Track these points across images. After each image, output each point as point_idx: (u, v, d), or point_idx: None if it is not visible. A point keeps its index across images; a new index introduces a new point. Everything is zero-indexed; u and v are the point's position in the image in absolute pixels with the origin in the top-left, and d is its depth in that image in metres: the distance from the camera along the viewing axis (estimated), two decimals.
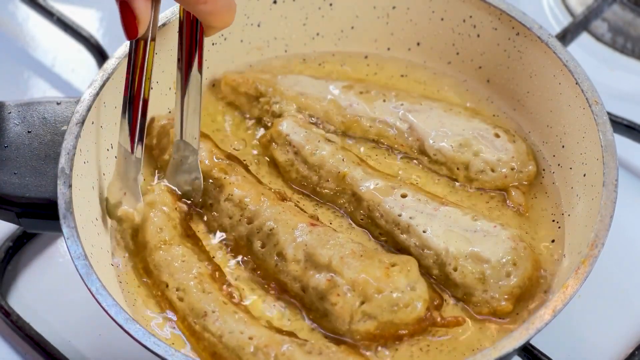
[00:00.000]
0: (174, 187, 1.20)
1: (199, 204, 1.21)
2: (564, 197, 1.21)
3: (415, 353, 1.09)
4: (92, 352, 1.26)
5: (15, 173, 1.14)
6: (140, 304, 1.14)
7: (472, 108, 1.30)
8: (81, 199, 1.12)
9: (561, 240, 1.17)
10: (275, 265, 1.13)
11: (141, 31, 0.99)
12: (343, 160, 1.22)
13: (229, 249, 1.18)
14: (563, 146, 1.22)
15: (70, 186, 1.09)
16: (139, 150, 1.13)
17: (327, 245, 1.12)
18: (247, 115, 1.32)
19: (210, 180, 1.21)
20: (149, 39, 1.08)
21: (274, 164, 1.26)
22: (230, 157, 1.24)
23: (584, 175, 1.15)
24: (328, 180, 1.22)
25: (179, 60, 1.16)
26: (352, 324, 1.08)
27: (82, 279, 1.04)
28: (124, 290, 1.15)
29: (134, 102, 1.11)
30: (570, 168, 1.20)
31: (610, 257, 1.19)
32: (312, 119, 1.29)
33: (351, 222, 1.21)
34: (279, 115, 1.29)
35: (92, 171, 1.17)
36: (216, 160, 1.22)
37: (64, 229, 1.07)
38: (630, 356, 1.22)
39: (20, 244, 1.34)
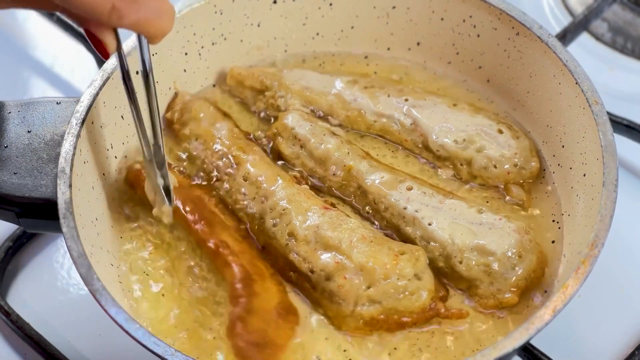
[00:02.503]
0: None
1: (214, 180, 1.23)
2: (564, 197, 1.21)
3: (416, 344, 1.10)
4: (92, 352, 1.26)
5: (15, 173, 1.14)
6: (140, 304, 1.14)
7: (475, 105, 1.30)
8: (81, 199, 1.12)
9: (561, 240, 1.17)
10: (286, 245, 1.14)
11: (111, 52, 1.01)
12: (348, 153, 1.22)
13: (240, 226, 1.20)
14: (563, 146, 1.22)
15: (70, 186, 1.09)
16: (149, 153, 1.12)
17: (339, 228, 1.13)
18: (253, 109, 1.32)
19: (229, 157, 1.22)
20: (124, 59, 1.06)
21: (280, 158, 1.26)
22: (248, 137, 1.27)
23: (584, 175, 1.15)
24: (334, 174, 1.22)
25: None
26: (356, 307, 1.09)
27: (82, 279, 1.04)
28: (124, 290, 1.15)
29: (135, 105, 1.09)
30: (570, 168, 1.20)
31: (610, 257, 1.19)
32: (317, 112, 1.29)
33: (357, 214, 1.21)
34: (284, 109, 1.29)
35: (92, 171, 1.17)
36: (235, 139, 1.24)
37: (64, 229, 1.07)
38: (630, 356, 1.22)
39: (20, 244, 1.34)
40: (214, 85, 1.35)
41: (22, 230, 1.33)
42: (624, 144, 1.37)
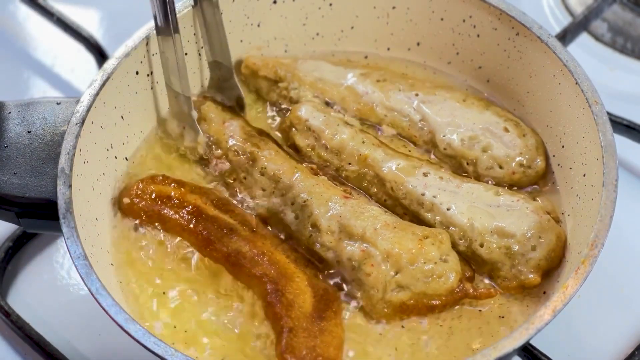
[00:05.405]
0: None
1: (232, 177, 1.23)
2: (564, 197, 1.21)
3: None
4: (92, 352, 1.26)
5: (15, 173, 1.14)
6: (140, 303, 1.14)
7: (486, 99, 1.30)
8: (81, 199, 1.12)
9: None
10: (310, 236, 1.15)
11: None
12: (363, 142, 1.23)
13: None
14: (563, 146, 1.22)
15: (70, 186, 1.09)
16: (187, 89, 1.21)
17: (361, 216, 1.13)
18: (266, 100, 1.33)
19: (243, 155, 1.22)
20: None
21: (295, 150, 1.27)
22: (262, 133, 1.27)
23: (584, 175, 1.15)
24: (350, 163, 1.22)
25: None
26: (385, 294, 1.09)
27: (82, 279, 1.04)
28: (124, 290, 1.15)
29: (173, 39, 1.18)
30: (570, 168, 1.20)
31: (610, 257, 1.19)
32: (330, 103, 1.30)
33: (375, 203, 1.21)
34: (297, 102, 1.30)
35: (92, 171, 1.17)
36: (248, 136, 1.24)
37: (64, 229, 1.07)
38: (630, 356, 1.22)
39: (20, 244, 1.34)
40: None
41: (22, 230, 1.33)
42: (624, 144, 1.37)
